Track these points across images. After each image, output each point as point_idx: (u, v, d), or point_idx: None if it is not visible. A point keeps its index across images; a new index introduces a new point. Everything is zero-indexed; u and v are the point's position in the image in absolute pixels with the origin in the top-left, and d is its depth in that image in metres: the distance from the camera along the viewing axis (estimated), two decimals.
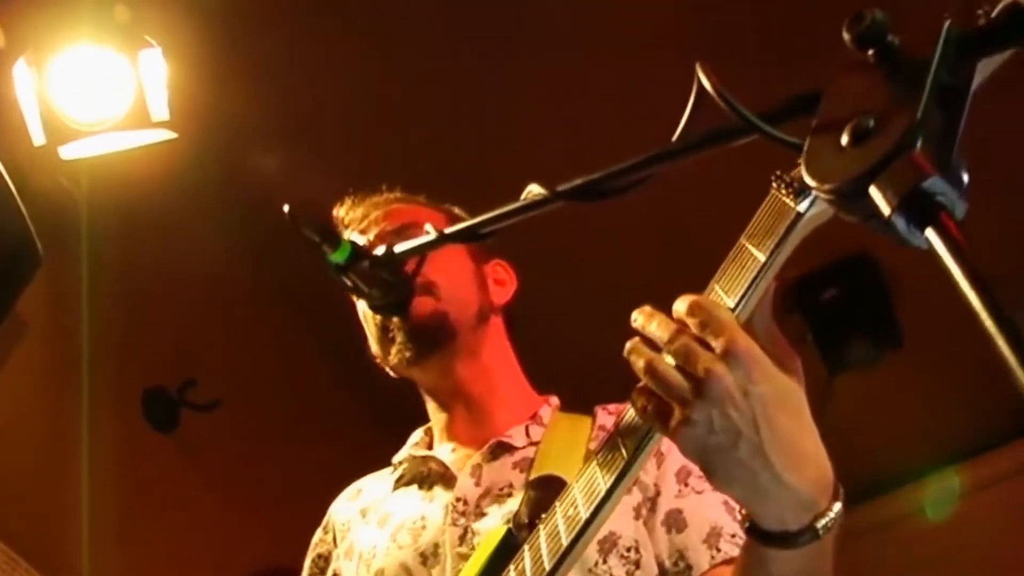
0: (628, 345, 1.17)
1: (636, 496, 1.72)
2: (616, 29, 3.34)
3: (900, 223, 0.74)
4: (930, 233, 0.73)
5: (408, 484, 1.94)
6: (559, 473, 1.74)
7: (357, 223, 2.02)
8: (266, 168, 3.44)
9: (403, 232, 1.91)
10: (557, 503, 1.40)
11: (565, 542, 1.36)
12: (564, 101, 3.48)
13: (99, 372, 3.28)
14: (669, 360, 1.14)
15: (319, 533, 2.02)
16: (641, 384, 1.15)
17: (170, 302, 3.42)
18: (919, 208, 0.73)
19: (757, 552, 1.21)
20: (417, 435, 2.02)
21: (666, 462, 1.74)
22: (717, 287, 1.22)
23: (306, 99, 3.37)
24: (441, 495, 1.87)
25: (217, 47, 3.17)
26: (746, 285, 1.20)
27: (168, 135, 3.12)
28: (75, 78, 3.07)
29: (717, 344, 1.12)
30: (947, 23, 0.80)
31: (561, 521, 1.37)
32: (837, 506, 1.16)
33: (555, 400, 1.99)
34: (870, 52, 0.82)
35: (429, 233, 1.53)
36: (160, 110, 3.11)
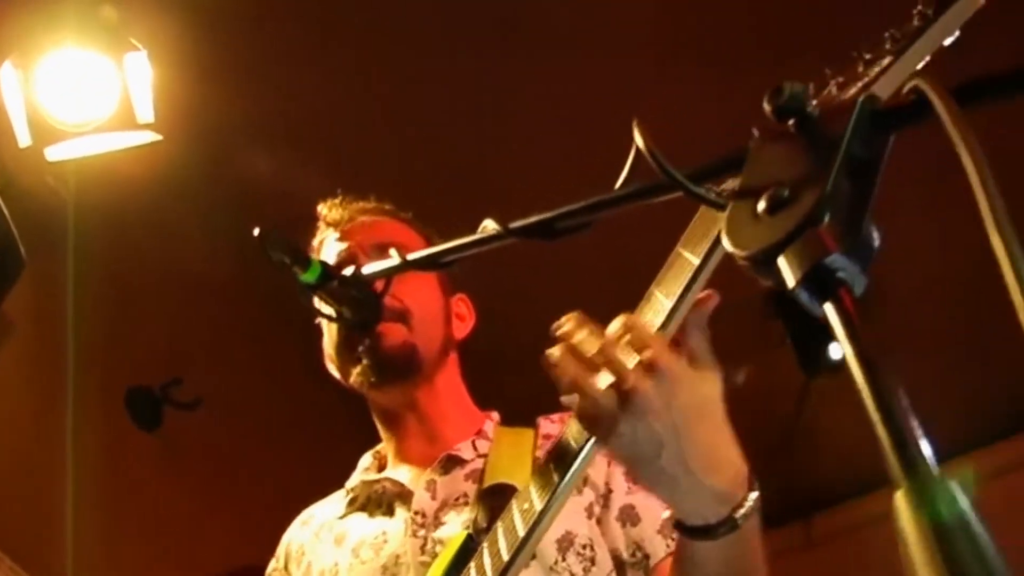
0: (553, 357, 1.25)
1: (588, 496, 1.80)
2: (610, 29, 3.37)
3: (803, 295, 0.78)
4: (828, 307, 0.77)
5: (361, 508, 1.99)
6: (509, 481, 1.82)
7: (340, 224, 2.05)
8: (251, 169, 3.48)
9: (386, 249, 1.95)
10: (513, 502, 1.49)
11: (522, 533, 1.45)
12: (559, 101, 3.51)
13: (84, 370, 3.32)
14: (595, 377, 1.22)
15: (272, 563, 2.06)
16: (564, 390, 1.24)
17: (154, 302, 3.46)
18: (820, 283, 0.77)
19: (685, 546, 1.33)
20: (367, 459, 2.07)
21: (615, 461, 1.82)
22: (657, 291, 1.30)
23: (291, 100, 3.40)
24: (400, 511, 1.93)
25: (202, 50, 3.20)
26: (683, 286, 1.28)
27: (153, 137, 3.16)
28: (61, 80, 3.11)
29: (643, 359, 1.21)
30: (861, 99, 0.84)
31: (517, 516, 1.46)
32: (752, 496, 1.28)
33: (496, 415, 2.06)
34: (790, 122, 0.86)
35: (393, 257, 1.56)
36: (145, 112, 3.15)
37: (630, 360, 1.23)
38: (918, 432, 0.70)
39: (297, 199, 3.51)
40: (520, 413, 2.04)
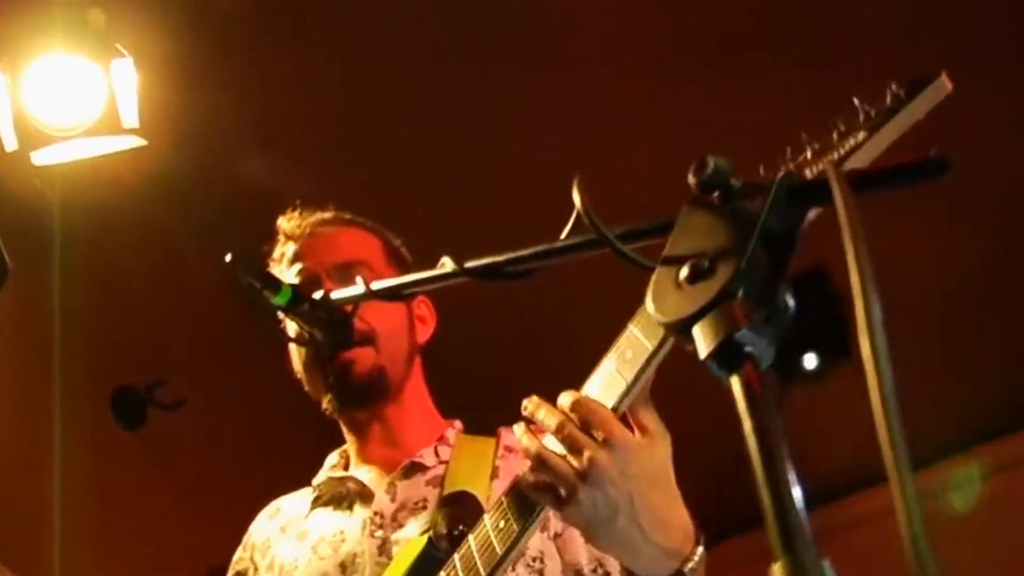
0: (518, 432, 1.39)
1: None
2: (595, 33, 3.40)
3: (713, 366, 0.83)
4: (734, 380, 0.81)
5: (326, 504, 2.04)
6: (469, 489, 1.88)
7: (299, 237, 2.08)
8: (235, 173, 3.52)
9: (349, 269, 1.99)
10: (487, 518, 1.55)
11: (500, 551, 1.53)
12: (541, 104, 3.54)
13: (70, 371, 3.36)
14: (555, 445, 1.32)
15: (239, 551, 2.12)
16: (532, 466, 1.34)
17: (139, 304, 3.50)
18: (728, 357, 0.82)
19: None
20: (333, 458, 2.12)
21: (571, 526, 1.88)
22: (612, 367, 1.39)
23: (275, 106, 3.44)
24: (360, 511, 1.98)
25: (186, 56, 3.24)
26: (637, 370, 1.36)
27: (138, 142, 3.20)
28: (48, 85, 3.15)
29: (598, 435, 1.32)
30: (780, 175, 0.88)
31: (493, 533, 1.53)
32: (700, 550, 1.41)
33: (458, 424, 2.11)
34: (715, 194, 0.90)
35: (359, 286, 1.61)
36: (130, 117, 3.18)
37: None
38: (801, 511, 0.75)
39: (281, 202, 3.56)
40: (480, 423, 2.09)
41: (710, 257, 0.87)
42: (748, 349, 0.82)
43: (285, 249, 2.08)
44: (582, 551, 1.82)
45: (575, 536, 1.82)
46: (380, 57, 3.43)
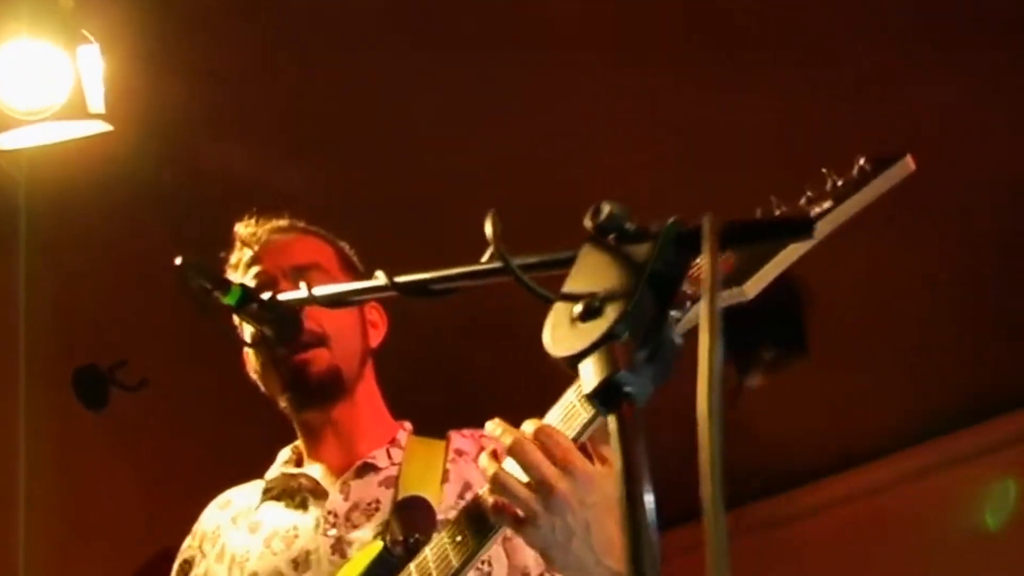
0: (483, 457, 1.51)
1: None
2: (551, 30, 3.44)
3: (596, 402, 0.89)
4: (611, 419, 0.87)
5: (276, 498, 2.10)
6: (422, 493, 1.95)
7: (255, 244, 2.14)
8: (200, 159, 3.55)
9: (303, 270, 2.07)
10: (444, 532, 1.65)
11: (456, 564, 1.62)
12: (496, 93, 3.57)
13: (35, 352, 3.40)
14: (516, 469, 1.44)
15: (188, 540, 2.17)
16: (491, 488, 1.47)
17: (104, 286, 3.54)
18: (608, 395, 0.87)
19: None
20: (286, 453, 2.17)
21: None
22: (575, 401, 1.51)
23: (240, 92, 3.47)
24: (313, 508, 2.04)
25: (153, 43, 3.27)
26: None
27: (104, 127, 3.23)
28: (15, 70, 3.17)
29: (558, 464, 1.43)
30: (670, 221, 0.94)
31: (450, 547, 1.63)
32: None
33: (408, 425, 2.17)
34: (611, 236, 0.96)
35: (302, 290, 1.67)
36: (97, 103, 3.22)
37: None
38: (655, 550, 0.80)
39: (246, 188, 3.59)
40: (430, 426, 2.15)
41: (601, 297, 0.93)
42: (627, 389, 0.88)
43: (242, 255, 2.14)
44: (530, 555, 1.87)
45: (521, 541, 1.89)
46: (347, 43, 3.46)
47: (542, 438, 1.45)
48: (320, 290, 1.64)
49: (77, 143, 3.21)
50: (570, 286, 0.97)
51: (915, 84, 3.32)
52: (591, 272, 0.96)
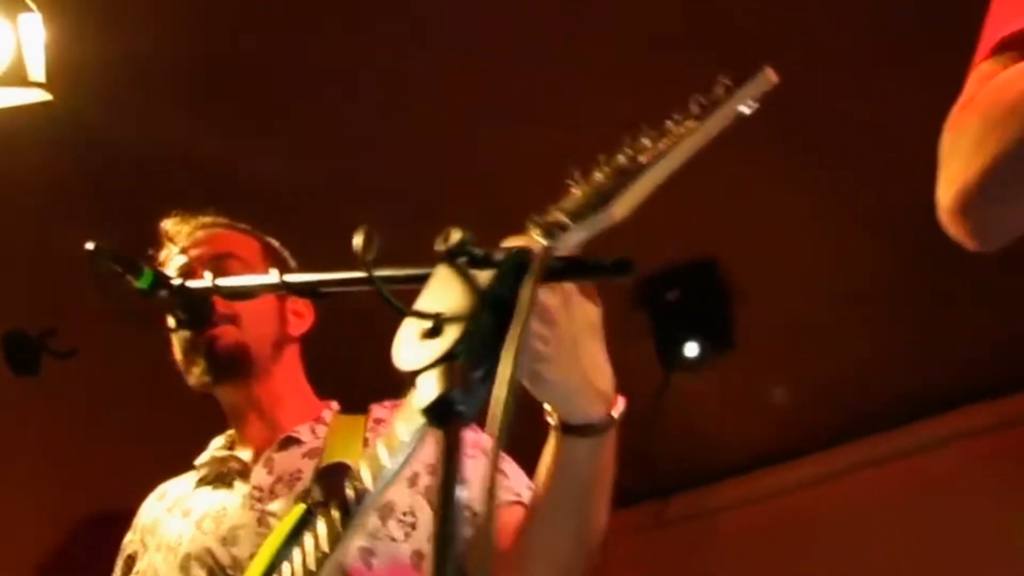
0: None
1: (411, 469, 1.97)
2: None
3: (428, 416, 0.94)
4: (439, 434, 0.93)
5: (209, 483, 2.16)
6: (344, 460, 1.99)
7: (181, 239, 2.22)
8: (142, 128, 3.57)
9: (221, 259, 2.17)
10: (346, 480, 1.70)
11: (353, 508, 1.68)
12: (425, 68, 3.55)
13: None
14: None
15: (129, 535, 2.23)
16: None
17: (41, 254, 3.56)
18: (440, 412, 0.93)
19: (566, 445, 1.55)
20: (218, 441, 2.25)
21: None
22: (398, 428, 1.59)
23: (183, 61, 3.46)
24: (240, 486, 2.11)
25: (95, 12, 3.28)
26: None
27: (44, 96, 3.25)
28: None
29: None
30: (514, 250, 1.00)
31: (350, 492, 1.69)
32: (622, 400, 1.54)
33: (335, 405, 2.24)
34: (461, 259, 1.02)
35: (207, 280, 1.74)
36: (37, 71, 3.23)
37: None
38: (459, 555, 0.85)
39: (188, 159, 3.62)
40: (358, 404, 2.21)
41: (444, 318, 0.99)
42: (459, 408, 0.94)
43: (168, 250, 2.22)
44: None
45: None
46: (291, 5, 3.45)
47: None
48: (224, 281, 1.73)
49: (16, 111, 3.23)
50: (420, 303, 1.03)
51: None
52: (440, 292, 1.02)
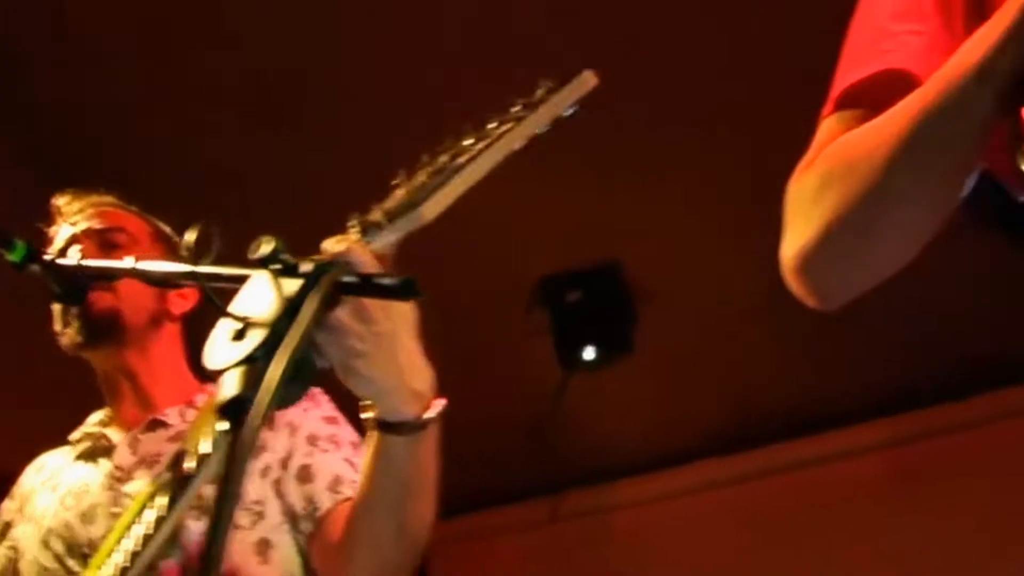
0: None
1: (264, 460, 2.05)
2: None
3: (222, 414, 1.00)
4: (227, 428, 0.99)
5: (80, 458, 2.21)
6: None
7: (71, 215, 2.26)
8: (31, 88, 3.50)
9: (109, 233, 2.23)
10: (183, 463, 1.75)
11: (178, 494, 1.74)
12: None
13: None
14: None
15: (7, 502, 2.28)
16: None
17: None
18: (233, 411, 0.99)
19: (384, 443, 1.60)
20: (96, 416, 2.29)
21: (299, 432, 2.08)
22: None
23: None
24: (103, 464, 2.16)
25: None
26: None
27: None
28: None
29: None
30: (323, 263, 1.07)
31: (183, 477, 1.74)
32: (439, 401, 1.57)
33: (212, 389, 2.28)
34: (272, 267, 1.08)
35: (72, 258, 1.82)
36: None
37: None
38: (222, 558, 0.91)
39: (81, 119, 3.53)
40: None
41: (251, 322, 1.05)
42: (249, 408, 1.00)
43: (59, 227, 2.26)
44: (295, 492, 2.02)
45: (290, 480, 2.03)
46: None
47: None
48: (90, 262, 1.79)
49: None
50: (234, 305, 1.10)
51: None
52: (253, 296, 1.09)
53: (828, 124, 1.27)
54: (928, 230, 1.20)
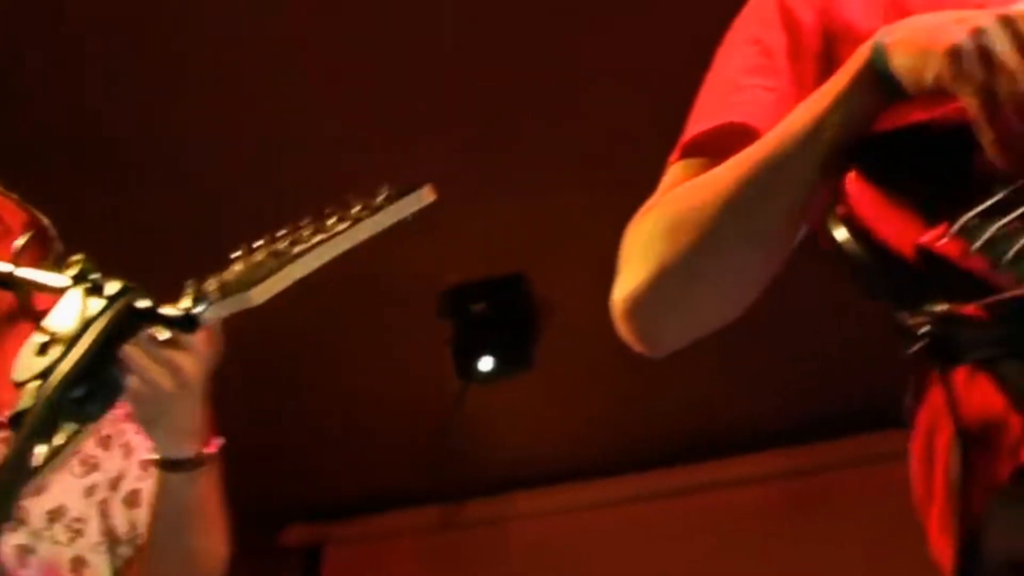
0: None
1: (93, 479, 2.05)
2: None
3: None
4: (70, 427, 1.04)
5: None
6: None
7: None
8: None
9: None
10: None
11: None
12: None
13: None
14: None
15: None
16: None
17: None
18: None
19: (165, 481, 1.70)
20: None
21: (133, 455, 2.09)
22: None
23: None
24: None
25: None
26: None
27: None
28: None
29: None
30: (128, 289, 1.11)
31: None
32: (218, 440, 1.68)
33: None
34: (86, 284, 1.13)
35: None
36: None
37: None
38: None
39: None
40: None
41: (54, 338, 1.10)
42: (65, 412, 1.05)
43: None
44: (120, 515, 2.03)
45: (117, 502, 2.04)
46: None
47: None
48: None
49: None
50: (47, 319, 1.14)
51: None
52: (63, 311, 1.13)
53: (674, 171, 1.31)
54: (754, 282, 1.23)
